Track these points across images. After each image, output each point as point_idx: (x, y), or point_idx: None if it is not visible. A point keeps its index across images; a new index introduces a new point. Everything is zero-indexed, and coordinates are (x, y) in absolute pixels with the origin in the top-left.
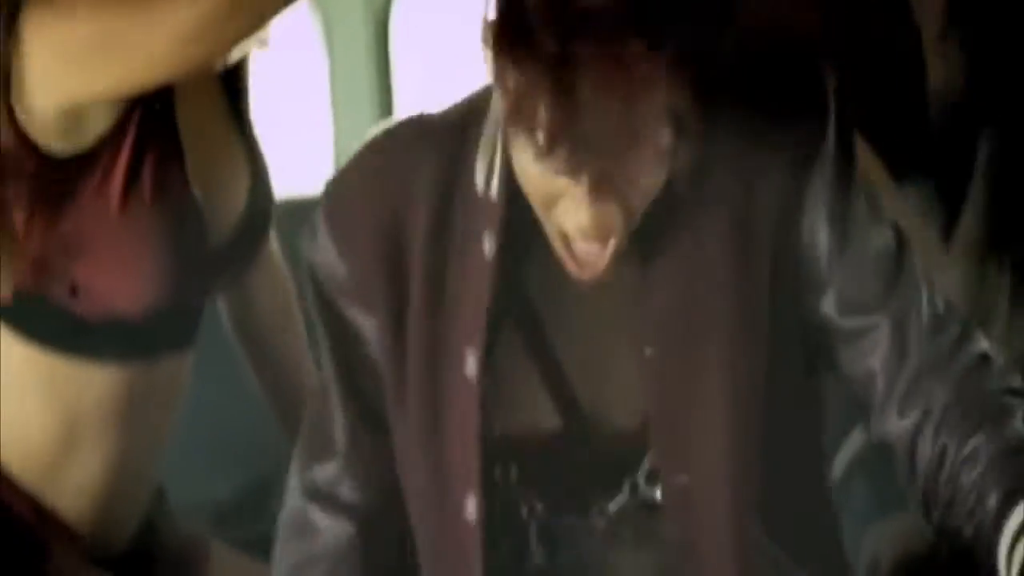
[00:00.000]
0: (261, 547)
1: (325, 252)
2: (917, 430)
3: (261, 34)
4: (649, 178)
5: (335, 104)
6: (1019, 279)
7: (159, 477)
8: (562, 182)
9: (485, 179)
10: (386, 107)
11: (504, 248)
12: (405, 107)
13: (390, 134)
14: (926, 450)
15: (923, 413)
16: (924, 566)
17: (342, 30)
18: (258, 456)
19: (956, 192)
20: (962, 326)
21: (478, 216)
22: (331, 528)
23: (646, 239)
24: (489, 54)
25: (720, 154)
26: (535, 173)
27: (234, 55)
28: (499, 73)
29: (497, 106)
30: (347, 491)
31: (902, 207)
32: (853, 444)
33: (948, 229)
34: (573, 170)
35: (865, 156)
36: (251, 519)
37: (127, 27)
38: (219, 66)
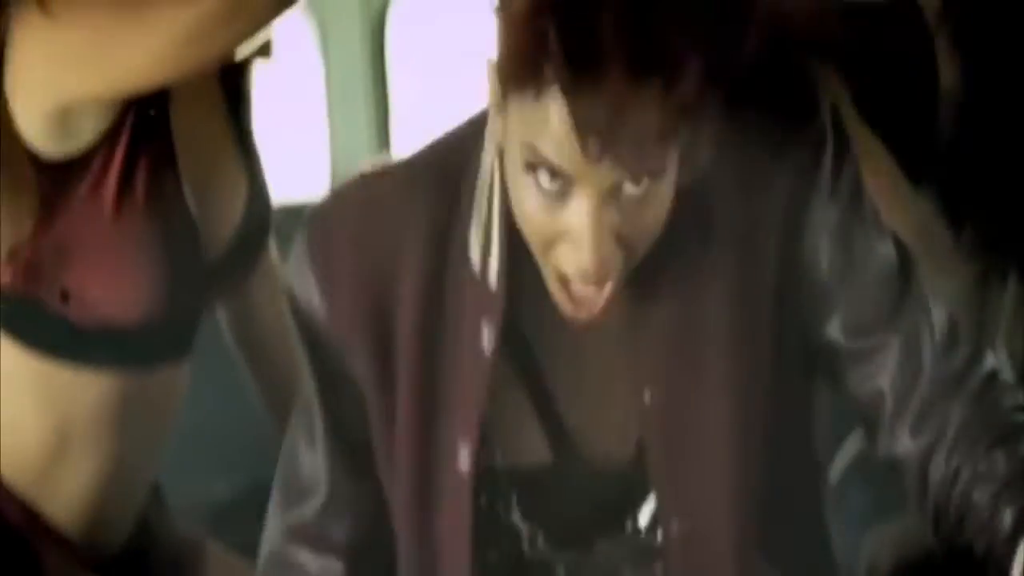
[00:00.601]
0: (258, 551)
1: (306, 287)
2: (930, 451)
3: (266, 46)
4: (656, 207)
5: (331, 109)
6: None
7: (154, 481)
8: (564, 221)
9: (481, 255)
10: (382, 113)
11: (504, 341)
12: (401, 112)
13: (380, 175)
14: (939, 470)
15: (936, 434)
16: (921, 571)
17: (337, 35)
18: (256, 459)
19: (962, 199)
20: (972, 345)
21: (475, 303)
22: (321, 567)
23: (643, 278)
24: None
25: (716, 184)
26: (537, 209)
27: (238, 63)
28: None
29: (489, 157)
30: (332, 530)
31: (920, 212)
32: (850, 449)
33: (954, 235)
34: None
35: (878, 161)
36: (249, 522)
37: (124, 27)
38: (219, 72)
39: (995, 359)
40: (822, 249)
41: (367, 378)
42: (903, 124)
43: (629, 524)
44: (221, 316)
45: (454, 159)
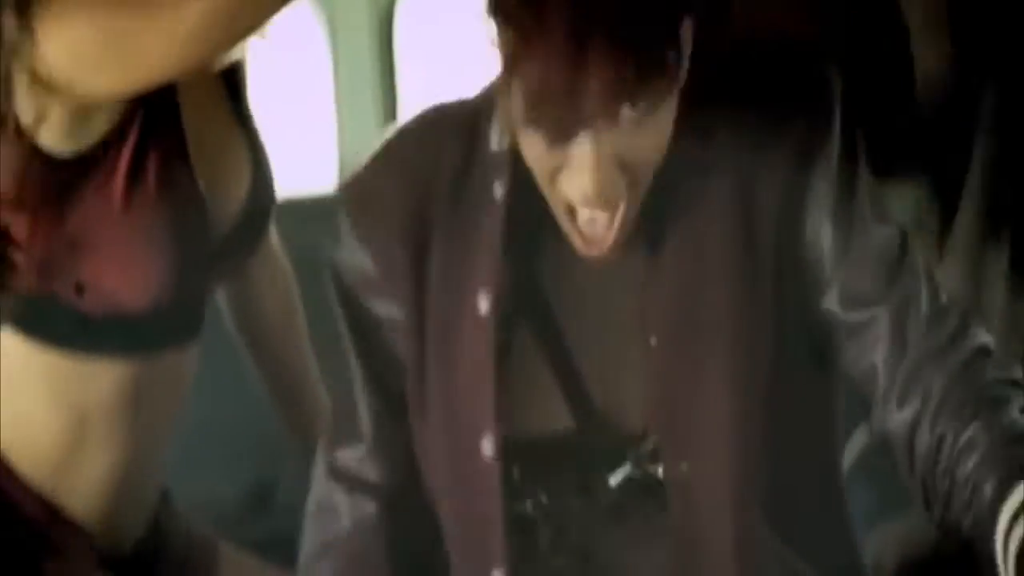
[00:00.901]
0: (267, 547)
1: (350, 251)
2: (915, 421)
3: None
4: (655, 132)
5: (339, 103)
6: (1018, 272)
7: (164, 477)
8: (566, 153)
9: (499, 138)
10: (390, 106)
11: (513, 193)
12: (409, 106)
13: (410, 127)
14: (924, 441)
15: (921, 403)
16: (928, 569)
17: (346, 29)
18: (263, 456)
19: (953, 187)
20: (962, 318)
21: (490, 170)
22: (354, 508)
23: (652, 230)
24: (497, 36)
25: (724, 151)
26: (541, 149)
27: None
28: (506, 52)
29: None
30: (371, 472)
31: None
32: (855, 446)
33: (945, 223)
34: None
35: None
36: (256, 519)
37: (135, 26)
38: (221, 62)
39: (987, 335)
40: (823, 227)
41: (407, 307)
42: (881, 117)
43: (631, 459)
44: (222, 302)
45: (482, 98)
